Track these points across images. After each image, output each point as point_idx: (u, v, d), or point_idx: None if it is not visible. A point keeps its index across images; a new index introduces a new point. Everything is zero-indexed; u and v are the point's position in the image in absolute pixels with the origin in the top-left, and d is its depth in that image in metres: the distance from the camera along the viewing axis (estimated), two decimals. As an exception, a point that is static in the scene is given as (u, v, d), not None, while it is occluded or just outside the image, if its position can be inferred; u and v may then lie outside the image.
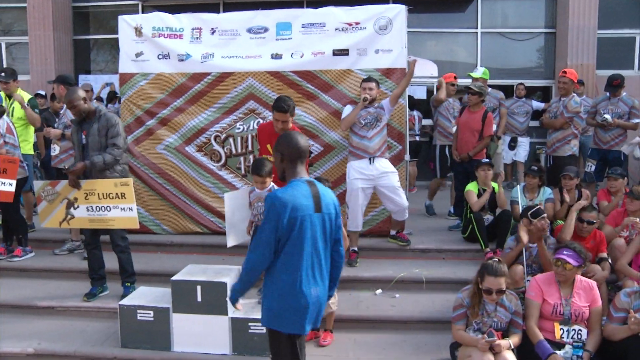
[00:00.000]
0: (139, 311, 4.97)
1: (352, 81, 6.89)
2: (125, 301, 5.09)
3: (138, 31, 7.23)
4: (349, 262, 6.33)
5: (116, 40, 7.59)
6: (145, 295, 5.22)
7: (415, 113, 10.29)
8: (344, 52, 6.88)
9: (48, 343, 5.16)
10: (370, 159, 6.31)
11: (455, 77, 8.47)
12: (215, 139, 7.19)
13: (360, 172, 6.33)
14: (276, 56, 6.97)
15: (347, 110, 6.43)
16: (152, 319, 4.94)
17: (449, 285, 5.86)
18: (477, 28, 11.86)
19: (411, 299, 5.74)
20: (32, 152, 7.57)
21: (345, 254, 5.16)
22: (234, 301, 3.52)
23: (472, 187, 6.81)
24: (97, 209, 5.67)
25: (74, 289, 6.05)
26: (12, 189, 6.14)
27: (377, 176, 6.32)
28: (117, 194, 5.59)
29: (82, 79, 12.63)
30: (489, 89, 8.75)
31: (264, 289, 3.39)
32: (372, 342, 5.12)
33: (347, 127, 6.39)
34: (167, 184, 7.30)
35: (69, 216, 5.79)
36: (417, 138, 10.46)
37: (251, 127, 7.06)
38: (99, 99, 11.43)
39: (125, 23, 7.30)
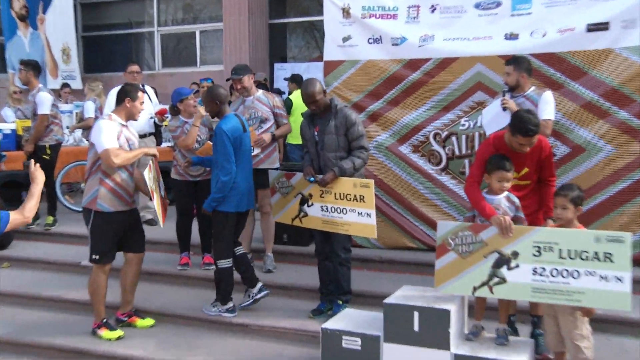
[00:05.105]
0: (344, 337, 5.03)
1: (612, 64, 6.49)
2: (329, 324, 5.18)
3: (346, 12, 7.45)
4: None
5: (310, 23, 7.88)
6: (351, 319, 5.29)
7: None
8: (602, 27, 6.50)
9: (244, 364, 5.56)
10: None
11: None
12: (434, 138, 7.24)
13: None
14: (511, 36, 6.84)
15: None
16: (359, 347, 4.99)
17: None
18: None
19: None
20: None
21: None
22: (211, 209, 6.01)
23: None
24: (332, 209, 5.94)
25: (274, 305, 6.40)
26: None
27: None
28: (355, 196, 5.79)
29: (278, 67, 13.28)
30: None
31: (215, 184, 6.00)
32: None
33: None
34: (377, 189, 7.17)
35: (302, 213, 6.16)
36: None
37: (479, 124, 6.94)
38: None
39: (331, 3, 7.55)
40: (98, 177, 5.82)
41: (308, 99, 5.86)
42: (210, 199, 5.99)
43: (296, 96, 9.79)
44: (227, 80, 7.28)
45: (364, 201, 5.75)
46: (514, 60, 5.97)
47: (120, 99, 5.90)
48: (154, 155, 6.17)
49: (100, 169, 5.80)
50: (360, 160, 5.85)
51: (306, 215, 6.15)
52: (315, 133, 5.98)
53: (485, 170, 5.07)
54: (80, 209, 6.15)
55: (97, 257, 5.90)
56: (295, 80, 10.92)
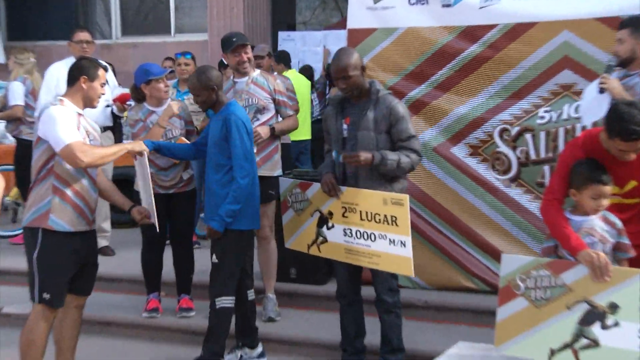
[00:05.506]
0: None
1: None
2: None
3: (378, -40, 7.57)
4: None
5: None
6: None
7: None
8: None
9: None
10: None
11: None
12: (501, 136, 7.20)
13: None
14: (615, -12, 6.78)
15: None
16: None
17: None
18: None
19: None
20: None
21: None
22: (223, 228, 6.01)
23: None
24: (358, 234, 5.85)
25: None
26: None
27: None
28: (386, 217, 5.65)
29: (284, 37, 13.25)
30: None
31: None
32: None
33: None
34: (421, 207, 7.41)
35: (320, 238, 6.10)
36: None
37: (564, 116, 6.93)
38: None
39: (358, -52, 7.68)
40: (50, 183, 5.62)
41: (338, 72, 5.74)
42: (225, 213, 6.00)
43: (293, 77, 9.77)
44: (228, 51, 7.12)
45: (396, 224, 5.63)
46: (630, 22, 5.81)
47: (73, 78, 5.78)
48: (139, 154, 6.15)
49: (53, 172, 5.62)
50: (409, 160, 5.73)
51: (325, 240, 6.09)
52: (345, 126, 5.89)
53: (571, 184, 4.95)
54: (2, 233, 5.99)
55: (49, 296, 5.60)
56: (283, 60, 11.03)
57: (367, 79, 5.97)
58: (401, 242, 5.60)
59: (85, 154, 5.46)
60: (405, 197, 5.61)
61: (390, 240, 5.65)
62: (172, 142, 6.77)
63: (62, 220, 5.58)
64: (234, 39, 7.02)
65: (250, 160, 6.08)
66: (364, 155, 5.63)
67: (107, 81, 5.97)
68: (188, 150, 6.67)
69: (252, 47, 7.63)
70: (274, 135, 7.05)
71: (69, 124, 5.55)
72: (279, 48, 13.27)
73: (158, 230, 6.34)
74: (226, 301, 6.05)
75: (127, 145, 6.14)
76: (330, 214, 6.00)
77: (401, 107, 5.83)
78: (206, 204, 6.25)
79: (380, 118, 5.75)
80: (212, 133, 6.20)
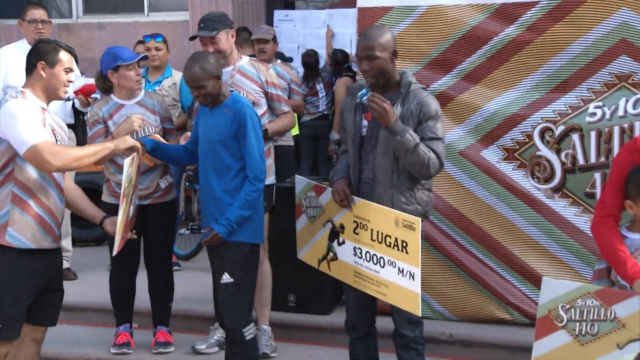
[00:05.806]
0: None
1: None
2: None
3: None
4: None
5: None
6: None
7: None
8: None
9: None
10: None
11: None
12: (542, 136, 7.20)
13: None
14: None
15: None
16: None
17: None
18: None
19: None
20: None
21: None
22: (227, 234, 6.06)
23: None
24: (367, 256, 5.80)
25: None
26: None
27: None
28: (397, 241, 5.58)
29: (281, 17, 13.24)
30: None
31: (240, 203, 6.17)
32: None
33: None
34: (445, 222, 7.46)
35: (331, 254, 6.10)
36: None
37: (619, 112, 6.91)
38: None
39: None
40: (8, 191, 5.57)
41: (363, 50, 5.67)
42: (235, 219, 6.07)
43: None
44: (191, 39, 7.25)
45: (406, 251, 5.57)
46: None
47: (31, 66, 5.71)
48: (131, 150, 6.10)
49: (12, 178, 5.57)
50: (427, 155, 5.56)
51: (336, 258, 6.07)
52: (365, 123, 5.82)
53: (627, 195, 4.90)
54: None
55: (0, 326, 5.52)
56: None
57: (398, 70, 5.88)
58: (410, 274, 5.55)
59: (56, 157, 5.38)
60: (417, 221, 5.50)
61: (399, 269, 5.61)
62: (169, 144, 6.76)
63: (23, 235, 5.51)
64: (201, 25, 7.00)
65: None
66: (389, 108, 5.50)
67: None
68: (184, 153, 6.66)
69: (243, 30, 7.58)
70: (266, 137, 6.95)
71: (34, 121, 5.48)
72: (275, 30, 13.07)
73: (115, 252, 6.27)
74: (251, 331, 6.19)
75: (109, 143, 5.94)
76: (342, 227, 5.98)
77: (435, 105, 5.73)
78: (204, 215, 6.29)
79: (409, 115, 5.66)
80: (216, 130, 6.17)
